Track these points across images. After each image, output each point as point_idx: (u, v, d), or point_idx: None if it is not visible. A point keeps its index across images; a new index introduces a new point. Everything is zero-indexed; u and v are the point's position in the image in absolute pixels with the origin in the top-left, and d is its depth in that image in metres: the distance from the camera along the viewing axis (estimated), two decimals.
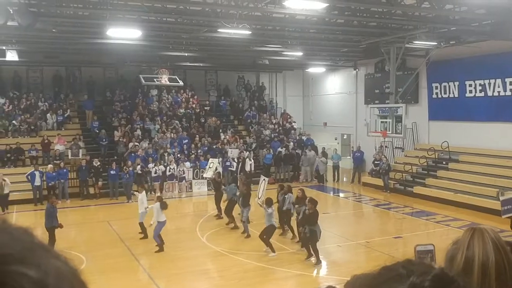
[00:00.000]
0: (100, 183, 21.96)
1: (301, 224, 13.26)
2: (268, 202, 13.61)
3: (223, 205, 17.26)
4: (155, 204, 13.82)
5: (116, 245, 14.51)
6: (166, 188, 22.80)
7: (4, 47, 20.78)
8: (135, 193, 16.90)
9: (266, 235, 13.43)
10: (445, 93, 23.37)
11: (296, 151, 26.99)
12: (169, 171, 22.81)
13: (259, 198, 15.30)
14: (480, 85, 21.47)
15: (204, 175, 21.68)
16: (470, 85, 21.96)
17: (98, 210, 20.33)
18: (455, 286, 0.82)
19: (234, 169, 23.70)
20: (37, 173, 20.60)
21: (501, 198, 15.13)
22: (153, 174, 22.53)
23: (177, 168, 23.02)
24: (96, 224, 17.55)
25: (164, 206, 13.69)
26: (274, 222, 13.66)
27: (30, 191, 20.54)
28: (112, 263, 12.64)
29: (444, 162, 22.33)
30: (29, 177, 20.51)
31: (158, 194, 19.26)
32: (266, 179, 16.81)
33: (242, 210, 15.50)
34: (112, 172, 21.80)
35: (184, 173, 23.21)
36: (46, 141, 23.20)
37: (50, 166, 21.41)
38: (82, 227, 17.14)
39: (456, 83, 22.61)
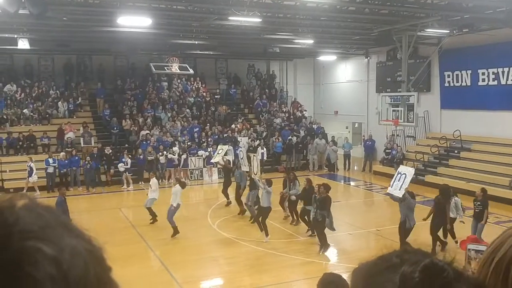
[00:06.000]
0: (112, 170, 22.13)
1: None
2: (268, 183, 13.73)
3: (230, 192, 17.55)
4: (175, 186, 14.12)
5: (128, 232, 14.66)
6: (177, 176, 22.88)
7: (16, 36, 20.88)
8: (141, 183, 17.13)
9: (262, 216, 13.54)
10: (457, 81, 23.13)
11: (305, 140, 26.83)
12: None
13: (255, 174, 15.43)
14: (493, 73, 21.21)
15: (212, 160, 21.75)
16: (483, 74, 21.70)
17: (110, 197, 20.50)
18: (446, 275, 0.81)
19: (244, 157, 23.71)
20: (50, 161, 20.84)
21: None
22: (162, 161, 22.65)
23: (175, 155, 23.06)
24: (107, 211, 17.71)
25: (183, 185, 14.01)
26: (271, 203, 13.76)
27: (43, 179, 20.77)
28: (123, 249, 12.74)
29: (456, 151, 22.17)
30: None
31: (177, 177, 19.77)
32: (257, 156, 17.22)
33: (248, 193, 15.69)
34: (123, 160, 21.95)
35: (176, 161, 23.09)
36: (63, 128, 23.39)
37: (62, 153, 21.60)
38: (93, 214, 17.31)
39: (469, 72, 22.36)
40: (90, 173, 21.32)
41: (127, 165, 21.75)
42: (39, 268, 0.60)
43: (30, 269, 0.59)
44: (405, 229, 12.11)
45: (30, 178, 20.19)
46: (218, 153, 20.07)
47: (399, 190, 12.08)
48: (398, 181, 12.25)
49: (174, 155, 22.85)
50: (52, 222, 0.66)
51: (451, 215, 12.53)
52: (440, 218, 12.32)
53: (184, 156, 23.11)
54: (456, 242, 12.54)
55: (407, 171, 12.53)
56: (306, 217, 14.10)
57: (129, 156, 22.13)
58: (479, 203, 12.54)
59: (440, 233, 12.55)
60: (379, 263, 0.87)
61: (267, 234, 13.43)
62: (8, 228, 0.62)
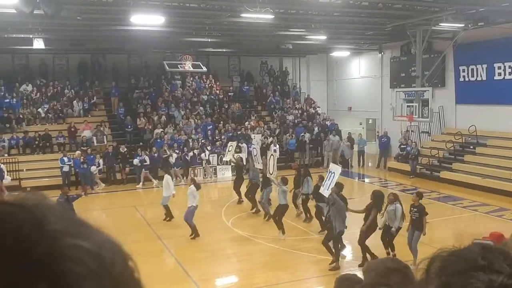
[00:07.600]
0: (127, 169, 22.29)
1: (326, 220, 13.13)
2: (284, 181, 13.70)
3: (243, 190, 17.54)
4: (190, 187, 13.88)
5: (143, 230, 14.75)
6: (192, 173, 22.96)
7: (31, 36, 21.08)
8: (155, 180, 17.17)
9: (278, 215, 13.49)
10: (472, 76, 22.86)
11: (319, 137, 26.73)
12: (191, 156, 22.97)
13: (271, 174, 15.41)
14: (509, 67, 20.92)
15: (224, 159, 21.80)
16: (499, 68, 21.42)
17: (125, 195, 20.64)
18: None
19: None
20: (65, 159, 21.04)
21: None
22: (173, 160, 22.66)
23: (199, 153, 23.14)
24: (122, 209, 17.83)
25: (198, 187, 13.80)
26: (287, 201, 13.71)
27: (59, 177, 20.98)
28: (139, 247, 12.81)
29: (471, 147, 21.95)
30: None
31: (190, 177, 19.76)
32: (275, 154, 16.92)
33: (263, 191, 15.66)
34: (138, 158, 22.10)
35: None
36: (73, 128, 23.63)
37: (77, 152, 21.78)
38: (108, 212, 17.44)
39: (484, 66, 22.08)
40: (85, 174, 21.05)
41: (146, 162, 21.80)
42: (81, 264, 0.58)
43: (71, 265, 0.58)
44: (334, 236, 11.20)
45: (4, 180, 19.71)
46: (228, 151, 20.12)
47: (327, 190, 11.54)
48: (328, 180, 11.68)
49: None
50: (74, 219, 0.65)
51: (388, 223, 11.31)
52: (371, 226, 11.26)
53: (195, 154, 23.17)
54: (388, 253, 11.16)
55: (335, 170, 12.03)
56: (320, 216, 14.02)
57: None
58: (415, 209, 11.25)
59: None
60: (458, 261, 0.76)
61: (283, 232, 13.42)
62: (39, 225, 0.60)
